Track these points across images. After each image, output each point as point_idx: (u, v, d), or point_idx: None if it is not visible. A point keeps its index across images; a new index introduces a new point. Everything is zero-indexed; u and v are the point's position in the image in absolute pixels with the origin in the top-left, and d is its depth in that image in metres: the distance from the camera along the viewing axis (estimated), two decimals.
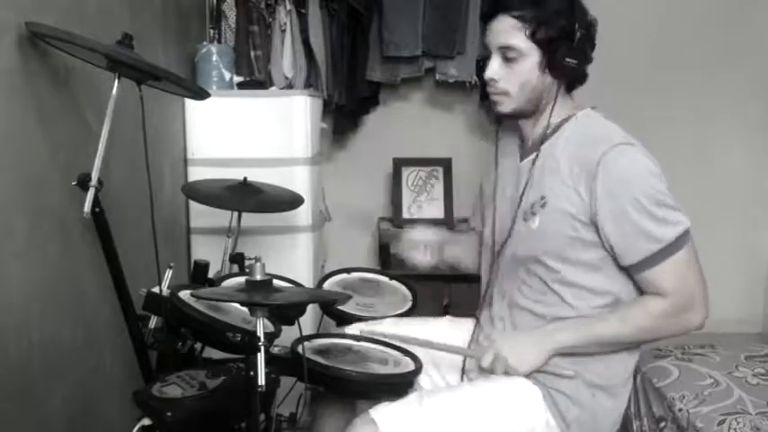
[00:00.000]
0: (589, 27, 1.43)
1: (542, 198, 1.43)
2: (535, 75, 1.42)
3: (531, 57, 1.41)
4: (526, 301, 1.48)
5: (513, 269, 1.50)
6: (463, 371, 1.57)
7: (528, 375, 1.43)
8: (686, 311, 1.39)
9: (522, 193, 1.47)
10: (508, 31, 1.41)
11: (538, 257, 1.44)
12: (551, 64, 1.40)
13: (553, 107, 1.45)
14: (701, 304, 1.39)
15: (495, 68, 1.44)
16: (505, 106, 1.47)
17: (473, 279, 1.73)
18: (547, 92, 1.44)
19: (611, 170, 1.35)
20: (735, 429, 1.80)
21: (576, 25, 1.38)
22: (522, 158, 1.52)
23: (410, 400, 1.42)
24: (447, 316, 1.76)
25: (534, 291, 1.46)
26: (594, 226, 1.38)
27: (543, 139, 1.47)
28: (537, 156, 1.47)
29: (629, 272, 1.40)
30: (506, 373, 1.42)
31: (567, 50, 1.38)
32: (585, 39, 1.41)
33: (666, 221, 1.35)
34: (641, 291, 1.42)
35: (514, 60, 1.41)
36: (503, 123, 1.61)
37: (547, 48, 1.39)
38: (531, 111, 1.47)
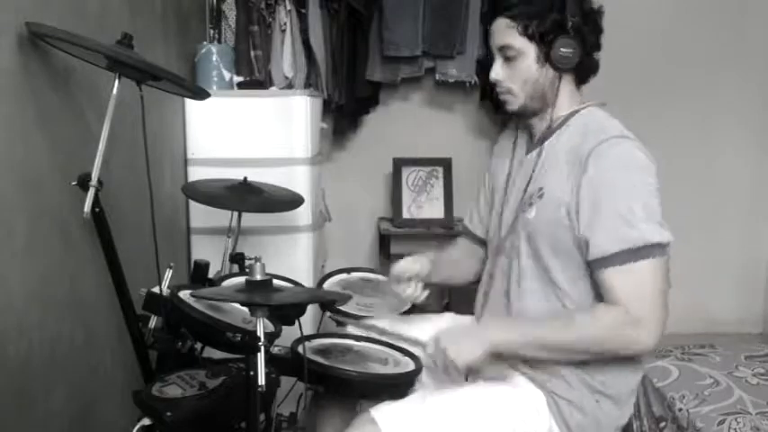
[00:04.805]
0: (588, 15, 1.44)
1: (540, 189, 1.44)
2: (535, 70, 1.44)
3: (528, 53, 1.43)
4: (524, 297, 1.47)
5: (514, 263, 1.50)
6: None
7: (530, 378, 1.43)
8: (633, 327, 1.31)
9: (526, 187, 1.48)
10: (504, 31, 1.44)
11: (534, 250, 1.44)
12: (548, 56, 1.42)
13: (555, 100, 1.46)
14: (652, 326, 1.31)
15: (497, 70, 1.48)
16: (513, 105, 1.49)
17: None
18: (551, 86, 1.45)
19: (600, 160, 1.35)
20: (735, 429, 1.80)
21: (569, 15, 1.40)
22: (528, 152, 1.53)
23: (412, 399, 1.42)
24: (449, 312, 1.76)
25: (533, 287, 1.46)
26: (576, 213, 1.37)
27: (549, 133, 1.48)
28: (541, 150, 1.48)
29: (591, 270, 1.37)
30: (447, 367, 1.40)
31: (562, 41, 1.40)
32: (582, 27, 1.42)
33: (642, 223, 1.32)
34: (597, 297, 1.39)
35: (514, 59, 1.44)
36: (509, 122, 1.63)
37: (541, 42, 1.42)
38: (539, 107, 1.49)
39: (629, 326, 1.32)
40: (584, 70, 1.47)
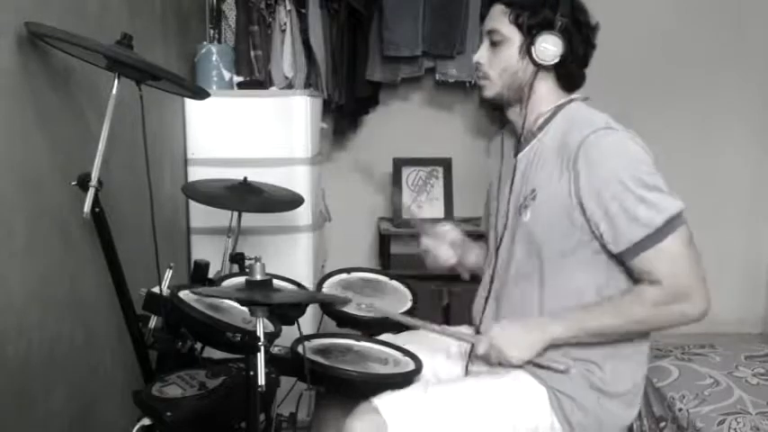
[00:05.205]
0: (580, 24, 1.45)
1: (533, 191, 1.44)
2: (515, 60, 1.46)
3: (514, 41, 1.45)
4: (525, 299, 1.47)
5: (512, 266, 1.50)
6: (467, 366, 1.57)
7: (532, 373, 1.43)
8: (680, 301, 1.35)
9: (518, 188, 1.49)
10: (497, 16, 1.48)
11: (533, 252, 1.44)
12: (529, 49, 1.43)
13: (530, 95, 1.47)
14: (699, 295, 1.35)
15: (482, 52, 1.51)
16: (488, 90, 1.52)
17: (473, 279, 1.73)
18: (528, 80, 1.46)
19: (592, 153, 1.35)
20: (735, 429, 1.80)
21: (559, 15, 1.41)
22: (516, 153, 1.53)
23: (414, 388, 1.43)
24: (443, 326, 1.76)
25: (533, 288, 1.46)
26: (582, 213, 1.38)
27: (534, 133, 1.49)
28: (528, 150, 1.49)
29: (621, 262, 1.39)
30: (500, 363, 1.42)
31: (545, 37, 1.42)
32: (571, 31, 1.42)
33: (652, 205, 1.33)
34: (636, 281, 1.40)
35: (499, 44, 1.47)
36: (505, 125, 1.63)
37: (528, 33, 1.44)
38: (514, 98, 1.50)
39: (674, 302, 1.35)
40: (567, 76, 1.47)
